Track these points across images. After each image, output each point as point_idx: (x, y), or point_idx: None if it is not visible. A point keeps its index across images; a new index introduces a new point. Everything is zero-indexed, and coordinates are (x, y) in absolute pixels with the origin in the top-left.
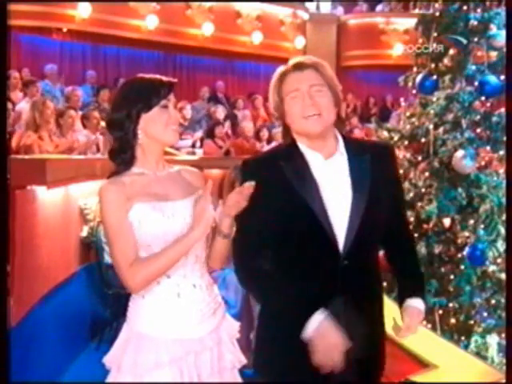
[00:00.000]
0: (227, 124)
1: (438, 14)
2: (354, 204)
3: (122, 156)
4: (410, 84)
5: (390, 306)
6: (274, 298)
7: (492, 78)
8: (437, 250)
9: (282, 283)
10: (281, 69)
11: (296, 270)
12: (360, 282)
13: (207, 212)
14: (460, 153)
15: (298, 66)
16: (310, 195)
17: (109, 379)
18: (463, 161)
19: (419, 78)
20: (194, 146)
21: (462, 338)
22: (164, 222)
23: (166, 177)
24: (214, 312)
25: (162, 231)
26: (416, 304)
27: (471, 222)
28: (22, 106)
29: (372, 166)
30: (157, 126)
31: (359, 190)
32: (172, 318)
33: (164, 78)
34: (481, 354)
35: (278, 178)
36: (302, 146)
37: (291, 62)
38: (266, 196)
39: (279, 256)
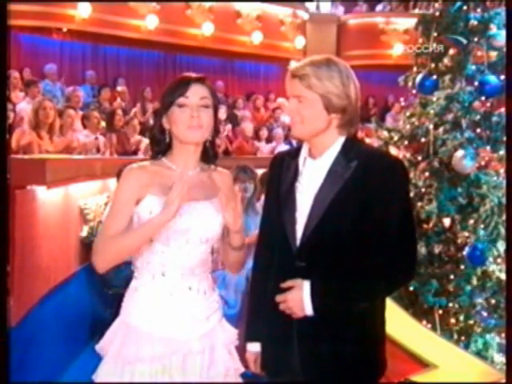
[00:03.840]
0: (228, 124)
1: (438, 13)
2: (313, 206)
3: (155, 146)
4: (409, 84)
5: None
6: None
7: (492, 78)
8: (437, 249)
9: (256, 280)
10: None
11: (267, 268)
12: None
13: (176, 200)
14: (460, 153)
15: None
16: (287, 191)
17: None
18: (463, 161)
19: (419, 77)
20: None
21: (462, 338)
22: None
23: (194, 177)
24: (208, 318)
25: (164, 228)
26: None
27: (471, 222)
28: (22, 106)
29: (356, 173)
30: (177, 126)
31: (325, 192)
32: (161, 315)
33: (185, 75)
34: (481, 354)
35: (279, 173)
36: (305, 143)
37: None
38: (272, 189)
39: (267, 253)
